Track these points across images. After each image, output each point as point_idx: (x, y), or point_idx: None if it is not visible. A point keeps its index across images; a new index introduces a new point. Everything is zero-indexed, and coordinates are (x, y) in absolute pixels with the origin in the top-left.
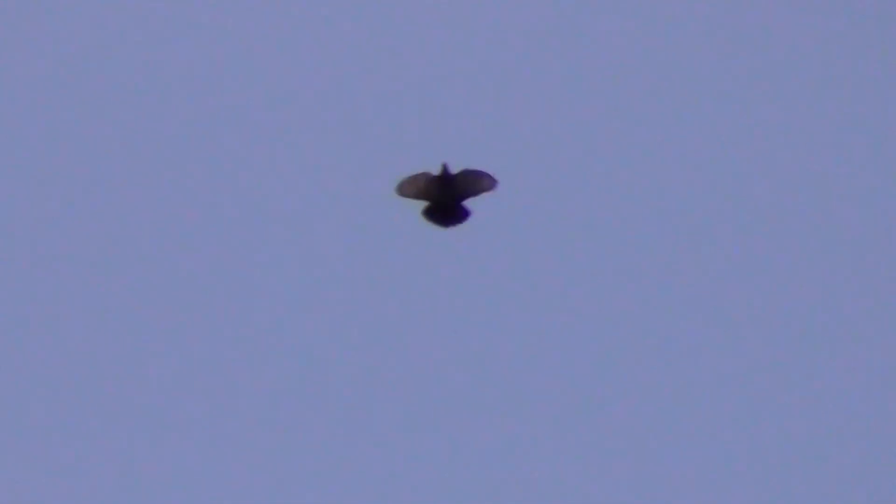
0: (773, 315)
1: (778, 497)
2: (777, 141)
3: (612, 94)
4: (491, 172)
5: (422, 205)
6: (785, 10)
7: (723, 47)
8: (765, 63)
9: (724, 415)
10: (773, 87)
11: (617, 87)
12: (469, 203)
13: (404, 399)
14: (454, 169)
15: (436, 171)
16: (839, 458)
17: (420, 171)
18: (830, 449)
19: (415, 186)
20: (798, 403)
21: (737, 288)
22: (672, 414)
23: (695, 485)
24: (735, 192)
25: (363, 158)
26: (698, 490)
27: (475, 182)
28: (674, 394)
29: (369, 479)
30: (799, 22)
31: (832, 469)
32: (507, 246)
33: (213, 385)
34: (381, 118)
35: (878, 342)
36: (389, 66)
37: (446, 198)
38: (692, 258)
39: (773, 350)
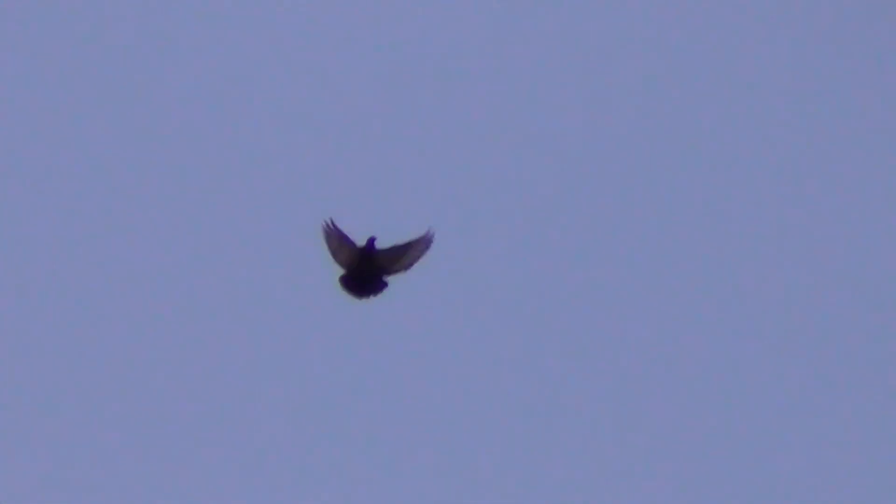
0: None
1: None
2: None
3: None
4: (425, 233)
5: (340, 271)
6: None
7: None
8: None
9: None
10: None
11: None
12: (388, 278)
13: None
14: (381, 245)
15: (361, 242)
16: (837, 459)
17: (349, 236)
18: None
19: (342, 253)
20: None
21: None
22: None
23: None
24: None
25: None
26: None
27: (400, 258)
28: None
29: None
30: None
31: (830, 470)
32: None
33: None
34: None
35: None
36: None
37: (365, 271)
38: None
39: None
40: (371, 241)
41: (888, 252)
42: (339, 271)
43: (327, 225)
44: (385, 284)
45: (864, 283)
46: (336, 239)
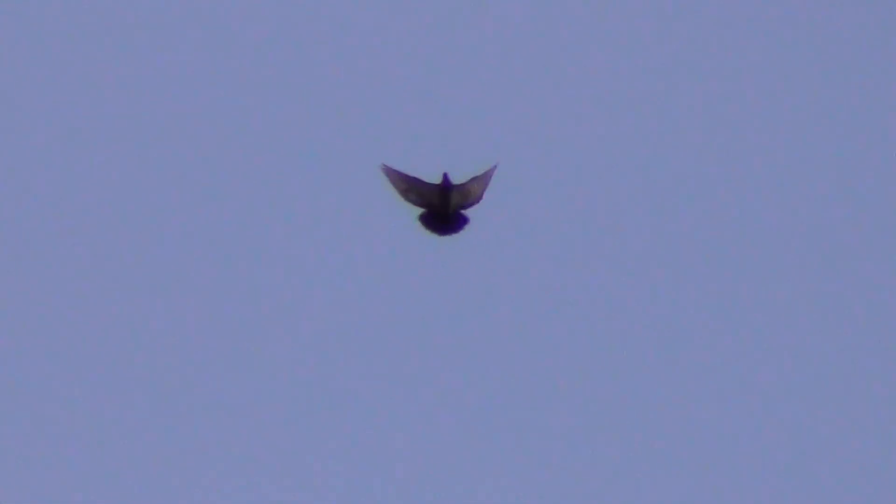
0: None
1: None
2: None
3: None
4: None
5: (418, 210)
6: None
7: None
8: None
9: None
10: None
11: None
12: (467, 213)
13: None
14: (455, 179)
15: (436, 179)
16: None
17: (415, 177)
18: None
19: (414, 192)
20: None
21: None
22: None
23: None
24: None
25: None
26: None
27: (473, 189)
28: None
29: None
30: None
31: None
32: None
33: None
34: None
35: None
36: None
37: (444, 208)
38: (694, 265)
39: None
40: (446, 176)
41: (887, 252)
42: (415, 210)
43: (386, 168)
44: (467, 220)
45: (864, 288)
46: (402, 181)
